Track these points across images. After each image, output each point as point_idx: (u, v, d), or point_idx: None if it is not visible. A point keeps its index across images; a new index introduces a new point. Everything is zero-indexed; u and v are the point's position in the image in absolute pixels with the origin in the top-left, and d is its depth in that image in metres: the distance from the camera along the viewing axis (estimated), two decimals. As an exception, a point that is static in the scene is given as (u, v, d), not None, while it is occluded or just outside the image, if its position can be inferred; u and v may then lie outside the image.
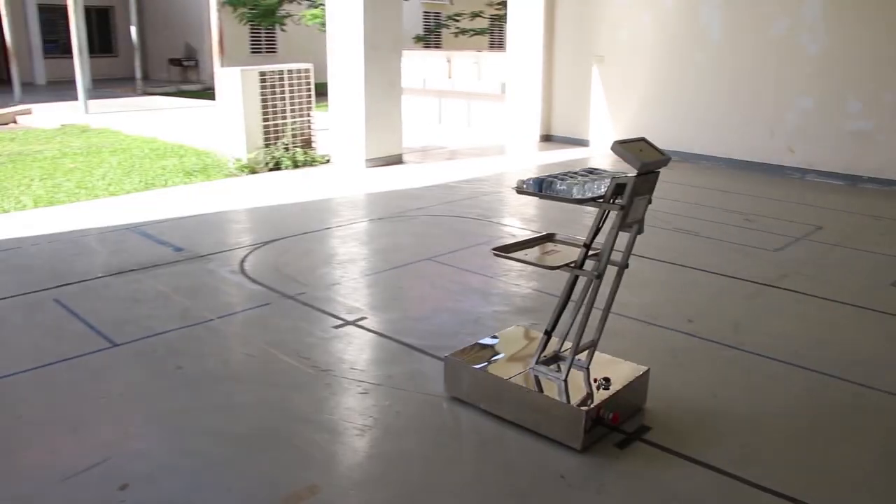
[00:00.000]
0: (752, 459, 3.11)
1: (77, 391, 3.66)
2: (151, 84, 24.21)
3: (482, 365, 3.47)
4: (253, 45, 26.59)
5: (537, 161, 10.27)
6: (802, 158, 9.21)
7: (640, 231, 3.27)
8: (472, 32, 24.99)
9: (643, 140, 3.18)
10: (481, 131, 13.20)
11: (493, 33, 29.90)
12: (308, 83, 9.67)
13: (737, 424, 3.39)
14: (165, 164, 9.79)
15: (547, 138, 11.98)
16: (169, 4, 26.75)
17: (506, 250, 3.40)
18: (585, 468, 3.04)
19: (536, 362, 3.42)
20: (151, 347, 4.15)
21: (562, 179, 3.16)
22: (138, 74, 22.14)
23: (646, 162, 3.02)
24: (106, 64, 27.05)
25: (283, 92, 9.43)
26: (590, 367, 3.46)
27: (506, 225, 6.79)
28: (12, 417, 3.41)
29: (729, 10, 9.59)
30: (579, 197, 3.09)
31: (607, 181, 3.14)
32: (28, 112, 17.13)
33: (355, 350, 4.14)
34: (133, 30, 21.74)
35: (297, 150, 9.53)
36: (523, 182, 3.22)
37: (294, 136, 9.58)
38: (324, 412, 3.47)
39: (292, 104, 9.54)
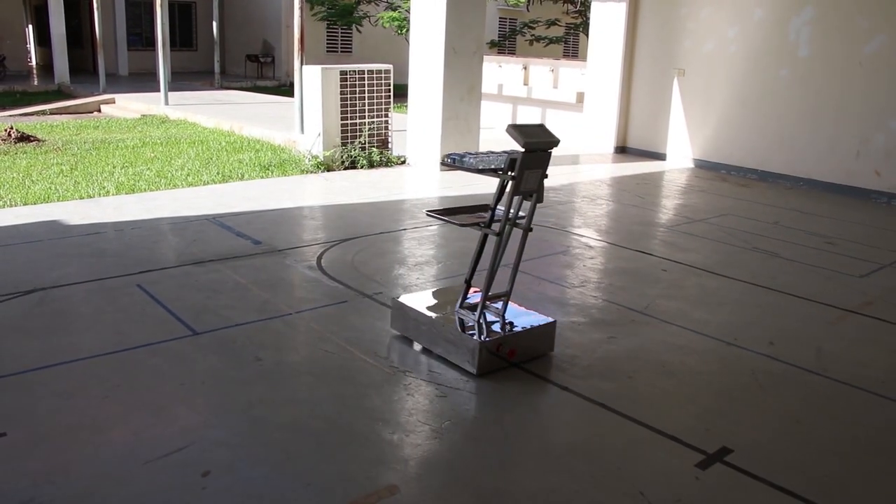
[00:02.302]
0: (835, 489, 3.03)
1: (159, 376, 3.74)
2: (228, 78, 24.71)
3: (418, 308, 4.17)
4: (329, 44, 26.93)
5: (610, 172, 10.19)
6: (890, 183, 8.95)
7: (539, 200, 3.94)
8: (547, 41, 24.90)
9: (540, 126, 3.90)
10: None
11: (568, 42, 29.77)
12: (387, 84, 9.75)
13: (821, 452, 3.31)
14: (242, 158, 9.97)
15: (622, 150, 11.87)
16: (249, 2, 27.25)
17: (441, 213, 4.13)
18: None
19: (459, 307, 4.14)
20: (231, 338, 4.22)
21: (469, 154, 4.01)
22: (217, 69, 22.59)
23: (530, 141, 3.68)
24: (186, 57, 27.71)
25: (362, 92, 9.52)
26: (505, 314, 4.09)
27: (581, 235, 6.75)
28: (99, 398, 3.51)
29: (820, 24, 9.37)
30: (480, 167, 3.90)
31: (504, 157, 3.82)
32: (111, 101, 17.66)
33: (433, 353, 4.15)
34: (214, 25, 22.20)
35: (374, 149, 9.62)
36: (446, 157, 4.08)
37: (371, 135, 9.66)
38: (402, 413, 3.49)
39: (370, 104, 9.62)
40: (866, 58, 9.00)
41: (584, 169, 10.50)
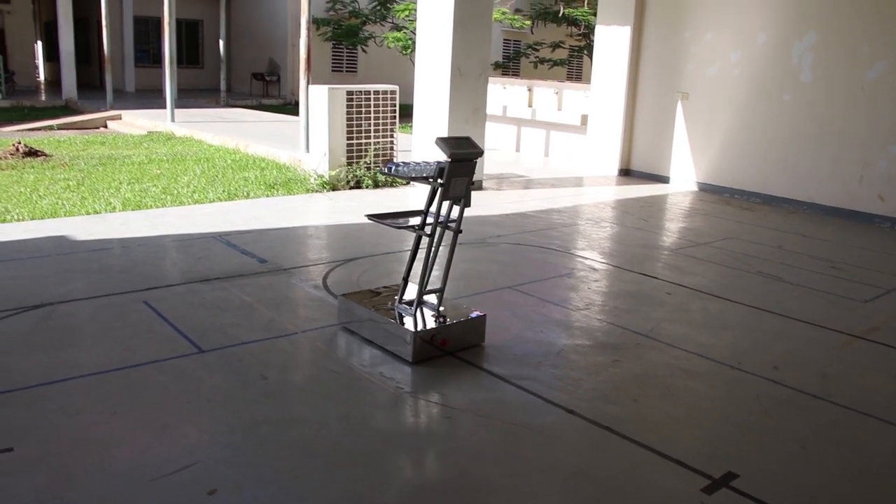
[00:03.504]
0: (845, 516, 3.03)
1: (166, 393, 3.74)
2: (234, 96, 24.82)
3: (361, 303, 4.57)
4: (334, 63, 27.06)
5: (614, 195, 10.21)
6: (893, 207, 8.97)
7: (467, 205, 4.33)
8: (551, 63, 25.04)
9: (466, 138, 4.26)
10: (559, 162, 13.19)
11: (572, 64, 29.92)
12: (393, 104, 9.79)
13: (827, 478, 3.30)
14: (248, 176, 10.00)
15: (626, 173, 11.90)
16: (255, 21, 27.43)
17: (380, 217, 4.53)
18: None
19: (399, 302, 4.53)
20: (237, 356, 4.22)
21: (404, 164, 4.37)
22: (223, 86, 22.71)
23: (455, 152, 4.06)
24: (192, 75, 27.89)
25: (368, 112, 9.56)
26: (440, 308, 4.50)
27: (585, 258, 6.75)
28: (106, 414, 3.50)
29: (823, 50, 9.43)
30: (412, 175, 4.30)
31: (434, 166, 4.19)
32: (118, 117, 17.74)
33: (438, 374, 4.15)
34: (221, 43, 22.33)
35: (379, 169, 9.66)
36: (385, 166, 4.42)
37: (376, 155, 9.69)
38: (408, 433, 3.48)
39: (376, 124, 9.67)
40: (869, 83, 9.04)
41: (587, 191, 10.52)
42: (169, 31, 16.17)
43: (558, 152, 13.52)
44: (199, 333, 4.51)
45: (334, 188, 9.31)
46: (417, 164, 4.34)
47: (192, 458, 3.16)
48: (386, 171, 4.42)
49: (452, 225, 4.36)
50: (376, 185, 9.53)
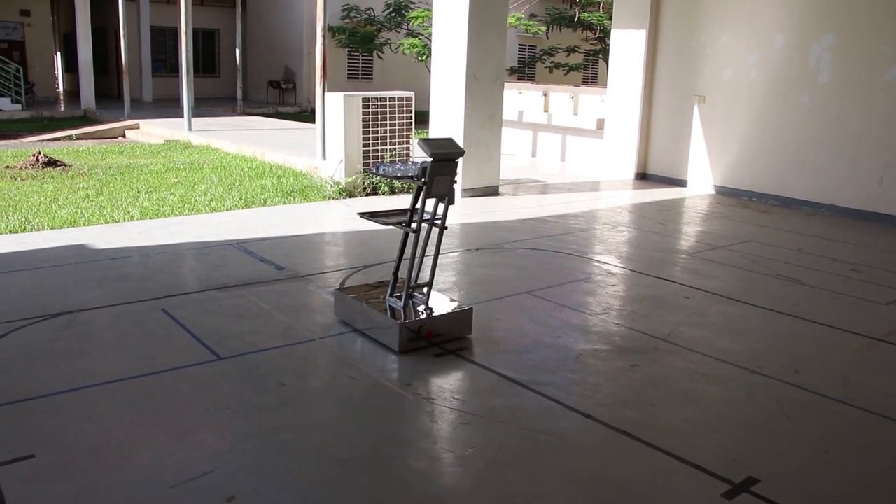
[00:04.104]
0: (868, 521, 3.00)
1: (184, 400, 3.76)
2: (250, 105, 24.96)
3: (355, 297, 4.83)
4: (350, 70, 27.16)
5: (631, 199, 10.18)
6: (913, 210, 8.90)
7: (451, 202, 4.52)
8: (566, 68, 25.01)
9: (448, 139, 4.54)
10: (575, 166, 13.17)
11: (588, 69, 29.88)
12: (409, 111, 9.82)
13: (849, 483, 3.27)
14: (264, 184, 10.05)
15: (642, 177, 11.86)
16: (271, 29, 27.57)
17: (371, 215, 4.69)
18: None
19: (389, 295, 4.76)
20: (255, 363, 4.24)
21: (390, 164, 4.72)
22: (239, 95, 22.84)
23: (436, 151, 4.30)
24: (209, 83, 28.06)
25: (384, 119, 9.59)
26: (428, 301, 4.69)
27: (603, 262, 6.73)
28: (126, 421, 3.53)
29: (841, 51, 9.37)
30: (397, 175, 4.57)
31: (417, 166, 4.43)
32: (136, 127, 17.87)
33: (456, 380, 4.16)
34: (237, 52, 22.46)
35: (395, 176, 9.67)
36: (370, 167, 4.62)
37: (393, 161, 9.70)
38: (426, 440, 3.48)
39: (392, 131, 9.69)
40: (888, 84, 8.97)
41: (604, 195, 10.50)
42: (186, 40, 16.29)
43: (574, 157, 13.50)
44: (217, 341, 4.53)
45: (351, 195, 9.33)
46: (403, 164, 4.67)
47: (210, 464, 3.17)
48: (372, 171, 4.75)
49: (439, 221, 4.57)
50: (393, 192, 9.55)
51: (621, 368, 4.38)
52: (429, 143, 4.34)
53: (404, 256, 4.67)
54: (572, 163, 13.47)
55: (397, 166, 4.64)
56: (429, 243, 4.62)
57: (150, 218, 7.93)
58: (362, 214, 4.74)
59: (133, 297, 5.30)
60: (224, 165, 11.92)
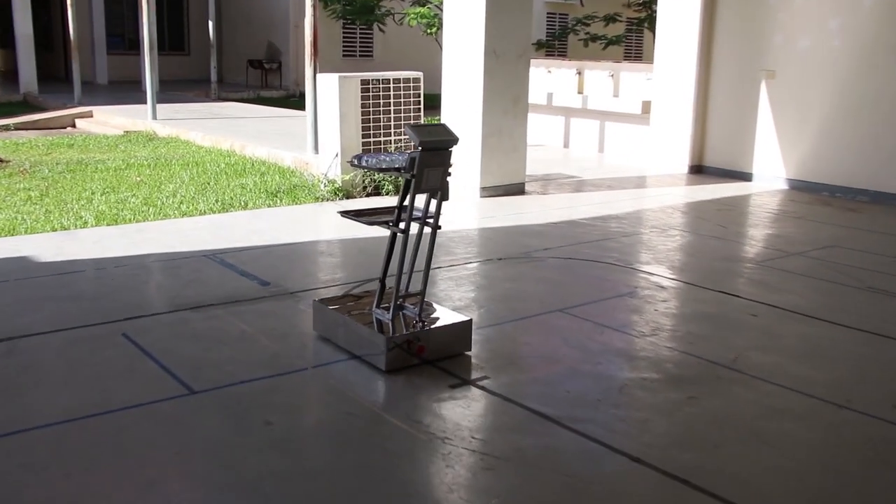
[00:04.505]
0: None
1: (150, 444, 3.76)
2: (227, 88, 25.10)
3: (337, 309, 4.97)
4: (346, 47, 27.28)
5: (684, 197, 10.16)
6: None
7: (444, 198, 4.66)
8: (605, 41, 25.01)
9: (441, 125, 4.70)
10: (616, 158, 13.17)
11: (630, 41, 29.91)
12: (417, 95, 9.85)
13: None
14: (245, 183, 10.09)
15: (698, 169, 11.84)
16: (251, -2, 27.76)
17: (354, 214, 4.94)
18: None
19: (375, 306, 4.87)
20: (235, 397, 4.24)
21: (374, 155, 4.84)
22: (213, 77, 22.95)
23: (426, 139, 4.38)
24: (176, 63, 28.21)
25: (387, 104, 9.62)
26: (421, 313, 4.79)
27: (651, 273, 6.72)
28: (77, 470, 3.52)
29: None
30: (382, 167, 4.65)
31: (405, 156, 4.51)
32: (88, 115, 18.01)
33: (476, 415, 4.15)
34: (210, 25, 22.58)
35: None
36: (353, 158, 4.86)
37: (378, 152, 9.72)
38: (440, 488, 3.47)
39: (397, 119, 9.71)
40: None
41: (652, 193, 10.48)
42: (148, 10, 16.39)
43: (615, 147, 13.50)
44: (190, 371, 4.53)
45: (349, 195, 9.35)
46: (390, 154, 4.79)
47: (182, 520, 3.17)
48: (356, 163, 4.86)
49: (431, 220, 4.71)
50: (398, 191, 9.53)
51: (676, 402, 4.36)
52: (417, 130, 4.44)
53: (405, 266, 4.72)
54: (612, 154, 13.47)
55: (382, 157, 4.74)
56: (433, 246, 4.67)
57: (108, 224, 7.97)
58: (344, 213, 4.95)
59: (87, 319, 5.31)
60: (196, 161, 11.99)
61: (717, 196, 10.24)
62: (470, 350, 4.85)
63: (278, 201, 9.14)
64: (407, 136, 9.73)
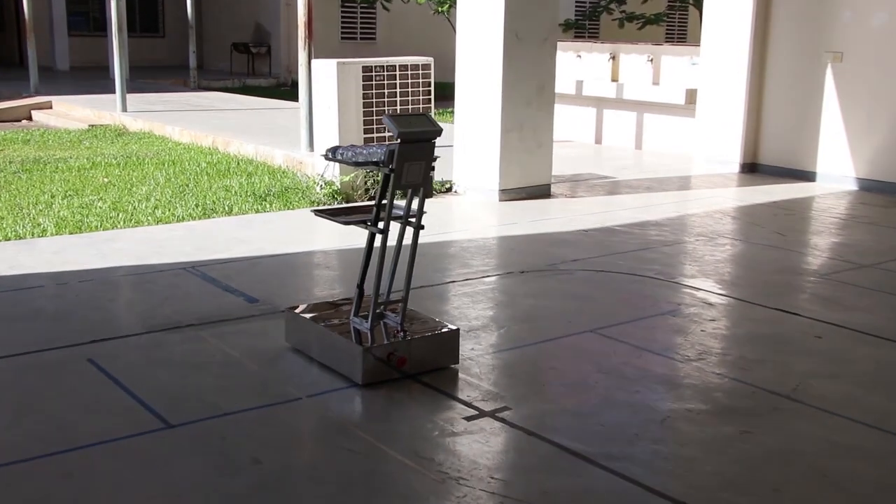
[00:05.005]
0: None
1: (120, 486, 3.76)
2: (208, 76, 25.18)
3: (311, 318, 5.18)
4: (345, 28, 27.34)
5: (736, 199, 10.14)
6: None
7: (427, 195, 4.91)
8: (642, 20, 25.00)
9: (423, 115, 4.93)
10: (656, 156, 13.16)
11: (673, 20, 29.93)
12: (427, 84, 9.87)
13: None
14: (230, 185, 10.12)
15: (751, 168, 11.83)
16: (236, -28, 27.86)
17: (330, 213, 5.25)
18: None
19: (354, 315, 5.02)
20: (219, 432, 4.25)
21: (351, 147, 4.97)
22: (192, 63, 23.02)
23: (405, 131, 4.56)
24: (149, 46, 28.33)
25: (393, 94, 9.63)
26: (403, 322, 4.97)
27: (697, 288, 6.72)
28: (40, 516, 3.55)
29: None
30: (358, 161, 4.86)
31: (384, 149, 4.68)
32: (47, 106, 18.07)
33: (495, 452, 4.15)
34: (188, 3, 22.66)
35: (408, 172, 9.70)
36: (328, 150, 5.06)
37: (354, 145, 9.73)
38: (455, 537, 3.48)
39: (405, 111, 9.72)
40: None
41: (697, 195, 10.48)
42: (117, -13, 16.46)
43: (655, 142, 13.49)
44: (167, 402, 4.54)
45: (348, 199, 9.37)
46: (368, 147, 4.92)
47: (158, 574, 3.18)
48: (328, 156, 5.08)
49: (414, 219, 4.92)
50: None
51: (727, 437, 4.36)
52: (396, 120, 4.62)
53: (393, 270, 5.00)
54: (652, 151, 13.47)
55: (359, 149, 4.92)
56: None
57: (71, 233, 8.00)
58: (318, 212, 5.25)
59: (46, 342, 5.33)
60: (173, 160, 12.03)
61: (774, 198, 10.23)
62: (457, 363, 5.02)
63: (268, 206, 9.16)
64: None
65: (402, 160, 4.60)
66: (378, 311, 4.95)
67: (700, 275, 7.16)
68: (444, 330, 5.08)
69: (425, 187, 4.86)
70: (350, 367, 4.76)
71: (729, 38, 11.79)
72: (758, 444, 4.30)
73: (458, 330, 5.12)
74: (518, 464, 4.07)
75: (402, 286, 4.98)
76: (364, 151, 4.84)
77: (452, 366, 5.00)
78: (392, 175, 4.63)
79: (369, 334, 4.87)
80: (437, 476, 3.90)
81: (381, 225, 4.81)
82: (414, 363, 4.84)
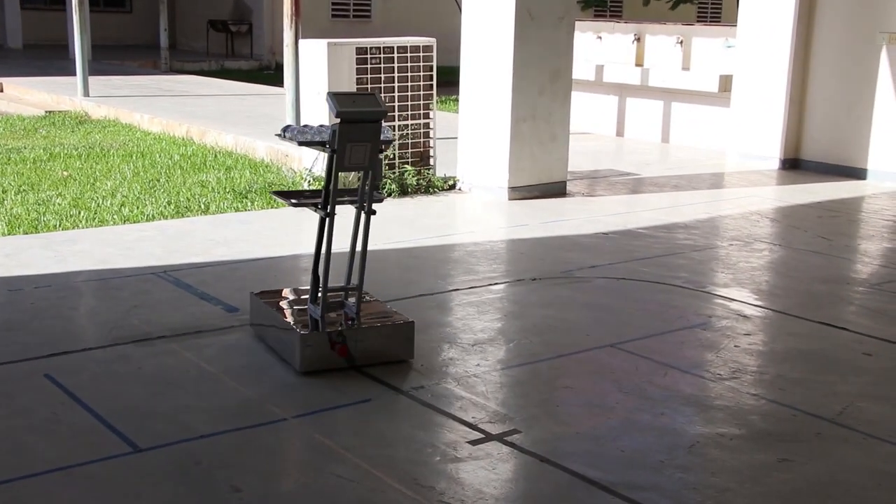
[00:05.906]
0: None
1: (83, 517, 3.79)
2: (182, 57, 25.19)
3: (271, 303, 5.59)
4: (336, 5, 27.32)
5: (775, 200, 10.15)
6: None
7: (377, 178, 5.24)
8: (672, -1, 25.03)
9: (370, 94, 5.35)
10: (685, 150, 13.17)
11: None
12: (428, 67, 9.88)
13: None
14: (206, 180, 10.13)
15: (793, 164, 11.83)
16: (213, -60, 27.85)
17: (287, 195, 5.88)
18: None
19: (311, 302, 5.37)
20: (193, 457, 4.26)
21: (296, 127, 5.34)
22: (163, 42, 23.02)
23: (345, 111, 4.81)
24: (115, 23, 28.31)
25: (391, 79, 9.64)
26: (359, 310, 5.31)
27: (730, 299, 6.73)
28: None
29: None
30: (303, 140, 5.20)
31: (327, 129, 5.07)
32: (-3, 89, 18.01)
33: (503, 480, 4.16)
34: (160, -25, 22.69)
35: (408, 167, 9.74)
36: (282, 129, 5.42)
37: (404, 146, 9.77)
38: (457, 575, 3.50)
39: (403, 99, 9.75)
40: None
41: (732, 194, 10.48)
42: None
43: (684, 135, 13.49)
44: (134, 423, 4.55)
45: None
46: (322, 126, 5.29)
47: None
48: (281, 135, 5.42)
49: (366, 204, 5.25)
50: (404, 192, 9.57)
51: (764, 465, 4.37)
52: (338, 99, 4.88)
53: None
54: (680, 144, 13.47)
55: (307, 128, 5.28)
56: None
57: (25, 232, 8.00)
58: (275, 193, 5.92)
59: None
60: (142, 151, 12.04)
61: (819, 199, 10.24)
62: (412, 357, 5.33)
63: (249, 204, 9.17)
64: (420, 120, 9.80)
65: (343, 141, 4.88)
66: (339, 299, 5.30)
67: (734, 284, 7.17)
68: (396, 321, 5.37)
69: (373, 170, 5.12)
70: (291, 353, 5.12)
71: (769, 18, 11.79)
72: (798, 473, 4.31)
73: (412, 322, 5.37)
74: (528, 493, 4.09)
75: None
76: (311, 130, 5.20)
77: (408, 361, 5.31)
78: (335, 156, 4.93)
79: (320, 321, 5.20)
80: (438, 506, 3.92)
81: (328, 208, 5.13)
82: (362, 354, 5.18)
